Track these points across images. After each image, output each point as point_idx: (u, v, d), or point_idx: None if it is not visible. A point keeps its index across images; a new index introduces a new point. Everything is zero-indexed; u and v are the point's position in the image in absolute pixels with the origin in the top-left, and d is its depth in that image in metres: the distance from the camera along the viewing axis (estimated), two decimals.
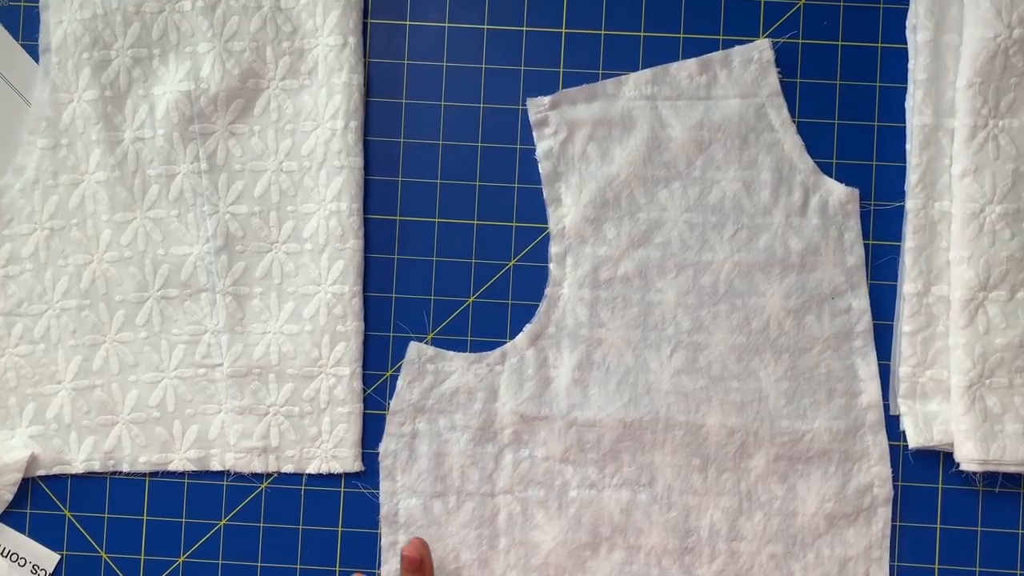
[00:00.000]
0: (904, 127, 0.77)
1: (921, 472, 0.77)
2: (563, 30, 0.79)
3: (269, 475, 0.79)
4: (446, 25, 0.79)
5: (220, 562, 0.79)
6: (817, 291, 0.76)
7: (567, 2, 0.79)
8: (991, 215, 0.74)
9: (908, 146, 0.76)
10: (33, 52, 0.79)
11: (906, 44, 0.77)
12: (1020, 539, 0.76)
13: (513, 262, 0.79)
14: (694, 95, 0.77)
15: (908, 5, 0.77)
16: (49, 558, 0.79)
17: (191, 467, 0.78)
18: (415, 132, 0.79)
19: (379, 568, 0.77)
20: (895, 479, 0.76)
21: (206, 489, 0.79)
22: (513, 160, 0.79)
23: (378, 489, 0.77)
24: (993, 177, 0.74)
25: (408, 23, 0.79)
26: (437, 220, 0.79)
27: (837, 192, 0.77)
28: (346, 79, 0.78)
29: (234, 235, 0.78)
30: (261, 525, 0.79)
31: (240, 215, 0.78)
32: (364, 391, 0.78)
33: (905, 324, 0.75)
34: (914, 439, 0.75)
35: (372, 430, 0.78)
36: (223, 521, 0.79)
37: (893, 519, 0.76)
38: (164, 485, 0.79)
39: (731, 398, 0.76)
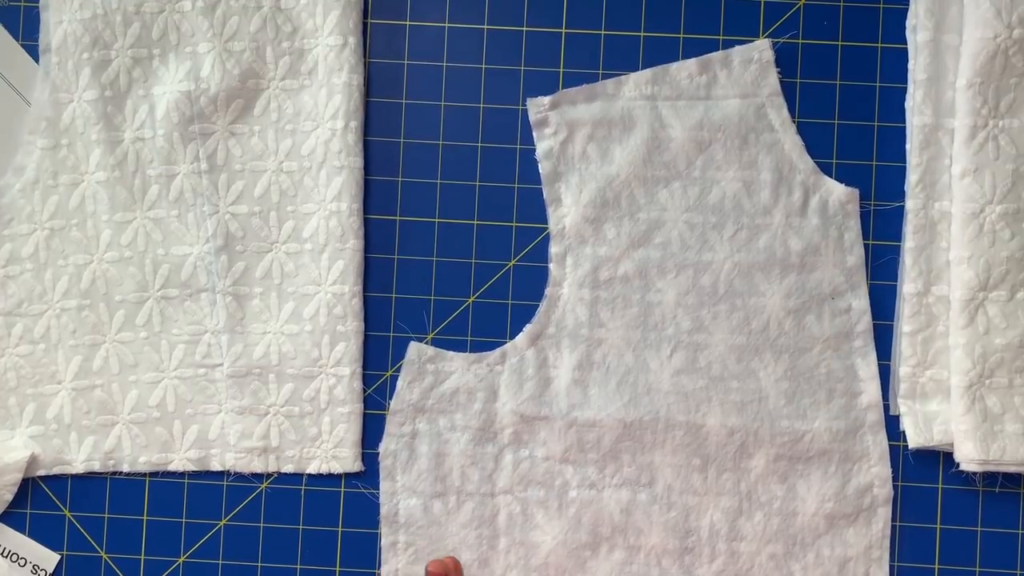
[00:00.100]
0: (904, 127, 0.77)
1: (921, 472, 0.77)
2: (563, 30, 0.79)
3: (269, 475, 0.79)
4: (446, 25, 0.79)
5: (220, 562, 0.79)
6: (817, 291, 0.76)
7: (567, 2, 0.79)
8: (991, 215, 0.74)
9: (908, 146, 0.76)
10: (33, 52, 0.79)
11: (906, 44, 0.77)
12: (1020, 539, 0.76)
13: (513, 262, 0.79)
14: (694, 95, 0.77)
15: (908, 5, 0.77)
16: (49, 558, 0.79)
17: (191, 467, 0.78)
18: (415, 132, 0.79)
19: (379, 568, 0.77)
20: (895, 479, 0.76)
21: (206, 489, 0.79)
22: (513, 160, 0.79)
23: (378, 489, 0.77)
24: (993, 177, 0.74)
25: (408, 23, 0.79)
26: (437, 220, 0.79)
27: (837, 192, 0.77)
28: (346, 79, 0.78)
29: (234, 235, 0.78)
30: (261, 525, 0.79)
31: (240, 215, 0.78)
32: (364, 391, 0.78)
33: (905, 324, 0.75)
34: (914, 439, 0.75)
35: (372, 430, 0.78)
36: (223, 521, 0.79)
37: (893, 519, 0.76)
38: (164, 485, 0.79)
39: (731, 398, 0.76)
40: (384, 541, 0.77)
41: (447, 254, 0.79)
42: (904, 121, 0.77)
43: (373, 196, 0.79)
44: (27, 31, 0.80)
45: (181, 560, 0.79)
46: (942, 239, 0.75)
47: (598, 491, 0.76)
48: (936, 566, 0.76)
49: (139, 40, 0.78)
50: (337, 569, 0.78)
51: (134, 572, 0.79)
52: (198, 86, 0.77)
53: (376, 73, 0.79)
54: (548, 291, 0.77)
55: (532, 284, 0.78)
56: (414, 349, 0.78)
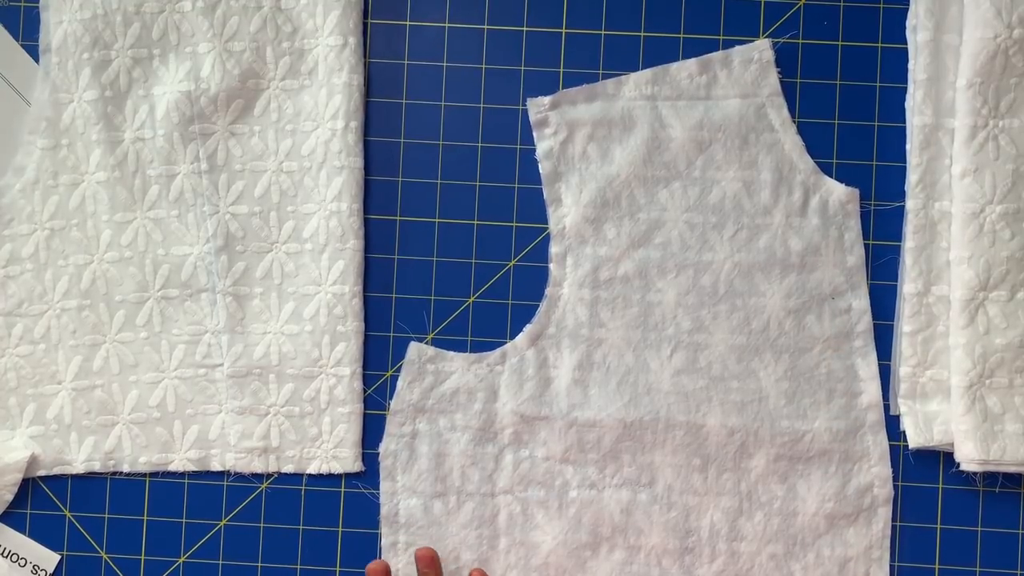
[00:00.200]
0: (904, 127, 0.77)
1: (921, 472, 0.77)
2: (563, 30, 0.79)
3: (269, 475, 0.79)
4: (446, 25, 0.79)
5: (220, 562, 0.79)
6: (817, 291, 0.76)
7: (567, 2, 0.79)
8: (991, 215, 0.74)
9: (908, 146, 0.76)
10: (33, 52, 0.79)
11: (906, 44, 0.77)
12: (1020, 539, 0.76)
13: (513, 262, 0.79)
14: (694, 95, 0.77)
15: (908, 5, 0.77)
16: (49, 558, 0.79)
17: (191, 467, 0.78)
18: (415, 132, 0.79)
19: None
20: (895, 479, 0.76)
21: (206, 489, 0.79)
22: (513, 160, 0.79)
23: (378, 489, 0.77)
24: (993, 177, 0.74)
25: (408, 23, 0.79)
26: (437, 220, 0.79)
27: (837, 192, 0.77)
28: (346, 79, 0.78)
29: (234, 235, 0.78)
30: (261, 525, 0.79)
31: (240, 215, 0.78)
32: (364, 391, 0.78)
33: (905, 324, 0.75)
34: (914, 439, 0.75)
35: (372, 430, 0.78)
36: (223, 521, 0.79)
37: (893, 519, 0.76)
38: (164, 485, 0.79)
39: (731, 398, 0.76)
40: (384, 541, 0.77)
41: (447, 254, 0.79)
42: (904, 121, 0.77)
43: (373, 196, 0.79)
44: (27, 31, 0.80)
45: (181, 560, 0.79)
46: (942, 239, 0.75)
47: (598, 491, 0.76)
48: (936, 566, 0.76)
49: (139, 40, 0.78)
50: (337, 569, 0.78)
51: (134, 572, 0.79)
52: (198, 86, 0.77)
53: (376, 73, 0.79)
54: (548, 291, 0.77)
55: (532, 284, 0.78)
56: (414, 349, 0.78)
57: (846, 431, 0.76)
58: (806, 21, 0.78)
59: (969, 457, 0.73)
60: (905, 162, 0.77)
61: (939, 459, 0.76)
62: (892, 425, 0.76)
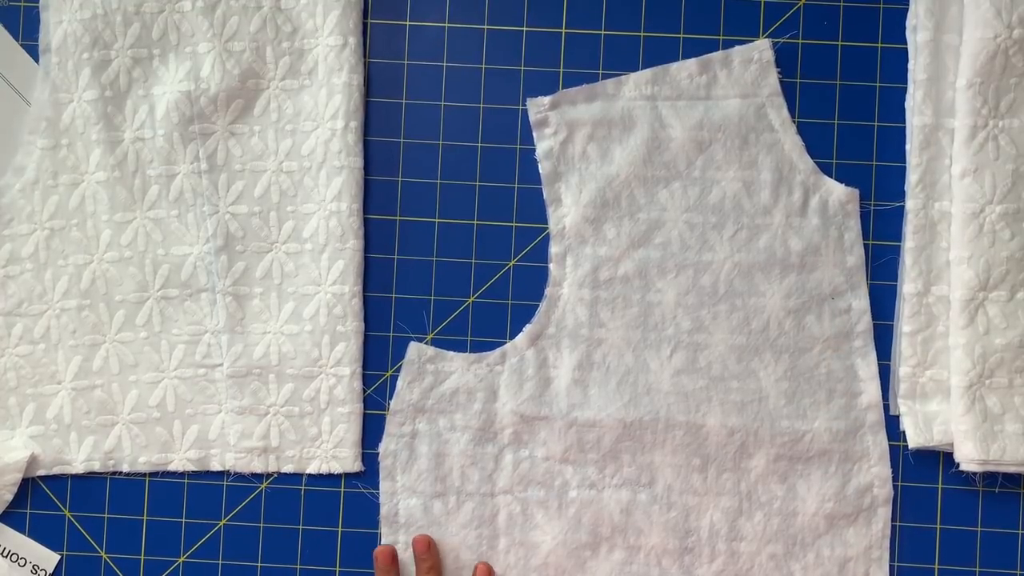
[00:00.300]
0: (904, 127, 0.77)
1: (921, 472, 0.77)
2: (563, 30, 0.79)
3: (269, 475, 0.79)
4: (446, 25, 0.79)
5: (220, 562, 0.79)
6: (817, 291, 0.76)
7: (567, 2, 0.79)
8: (991, 215, 0.74)
9: (908, 146, 0.76)
10: (33, 52, 0.79)
11: (906, 44, 0.77)
12: (1020, 539, 0.76)
13: (513, 262, 0.79)
14: (694, 95, 0.77)
15: (908, 5, 0.77)
16: (49, 558, 0.79)
17: (191, 467, 0.78)
18: (415, 132, 0.79)
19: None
20: (895, 479, 0.76)
21: (206, 489, 0.79)
22: (513, 160, 0.79)
23: (378, 489, 0.77)
24: (993, 177, 0.74)
25: (408, 23, 0.80)
26: (437, 220, 0.79)
27: (837, 192, 0.77)
28: (346, 79, 0.78)
29: (234, 235, 0.78)
30: (261, 525, 0.79)
31: (240, 215, 0.78)
32: (364, 391, 0.78)
33: (905, 324, 0.75)
34: (914, 439, 0.75)
35: (372, 430, 0.78)
36: (223, 521, 0.79)
37: (893, 519, 0.76)
38: (164, 485, 0.79)
39: (731, 398, 0.76)
40: (384, 541, 0.77)
41: (447, 254, 0.79)
42: (904, 121, 0.77)
43: (373, 196, 0.79)
44: (27, 31, 0.80)
45: (181, 560, 0.79)
46: (942, 239, 0.75)
47: (598, 491, 0.76)
48: (936, 566, 0.76)
49: (139, 40, 0.78)
50: (337, 569, 0.78)
51: (134, 572, 0.79)
52: (198, 86, 0.77)
53: (376, 73, 0.79)
54: (548, 291, 0.77)
55: (532, 284, 0.78)
56: (414, 349, 0.78)
57: (846, 431, 0.76)
58: (806, 21, 0.78)
59: (969, 457, 0.73)
60: (905, 162, 0.77)
61: (939, 459, 0.76)
62: (892, 425, 0.76)
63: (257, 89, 0.78)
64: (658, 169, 0.77)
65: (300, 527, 0.78)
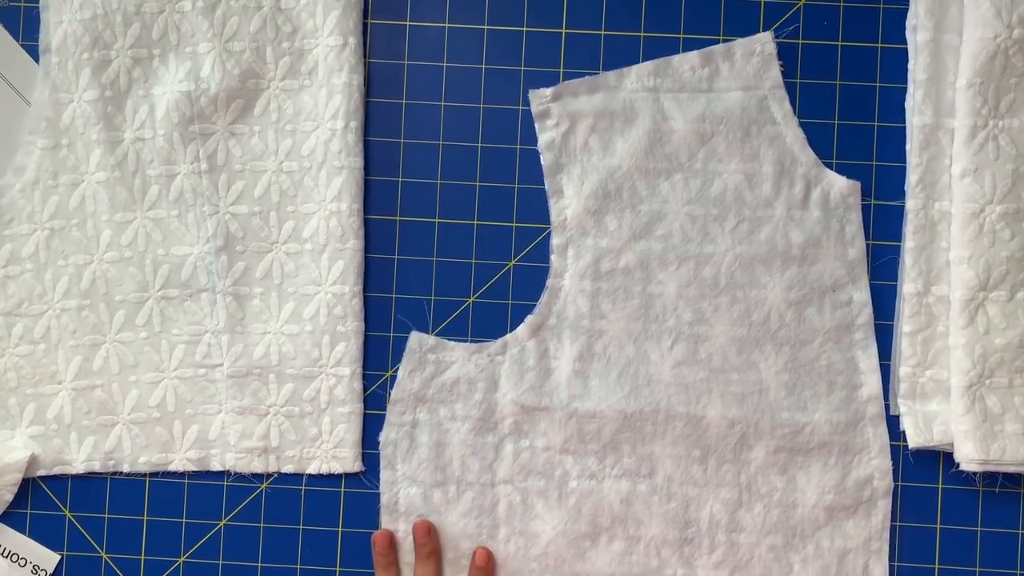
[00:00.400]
0: (904, 127, 0.77)
1: (921, 472, 0.77)
2: (563, 30, 0.79)
3: (269, 475, 0.79)
4: (446, 25, 0.79)
5: (220, 562, 0.79)
6: (818, 284, 0.76)
7: (567, 2, 0.79)
8: (991, 215, 0.74)
9: (908, 146, 0.76)
10: (33, 52, 0.79)
11: (906, 44, 0.77)
12: (1020, 539, 0.76)
13: (513, 262, 0.79)
14: (696, 87, 0.77)
15: (908, 5, 0.77)
16: (49, 558, 0.79)
17: (191, 467, 0.78)
18: (415, 132, 0.79)
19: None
20: (895, 479, 0.76)
21: (206, 489, 0.79)
22: (513, 160, 0.79)
23: (377, 483, 0.77)
24: (993, 177, 0.74)
25: (408, 23, 0.80)
26: (437, 220, 0.79)
27: (839, 185, 0.77)
28: (346, 79, 0.78)
29: (234, 235, 0.78)
30: (261, 525, 0.79)
31: (240, 215, 0.78)
32: (364, 391, 0.78)
33: (905, 324, 0.75)
34: (914, 439, 0.75)
35: (372, 430, 0.78)
36: (223, 521, 0.79)
37: (893, 519, 0.76)
38: (164, 485, 0.79)
39: (731, 390, 0.76)
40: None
41: (447, 254, 0.79)
42: (904, 121, 0.77)
43: (373, 196, 0.79)
44: (27, 31, 0.80)
45: (181, 560, 0.79)
46: (942, 239, 0.75)
47: (598, 481, 0.76)
48: (936, 566, 0.76)
49: (139, 40, 0.78)
50: (337, 569, 0.78)
51: (134, 572, 0.79)
52: (198, 86, 0.77)
53: (376, 73, 0.79)
54: (549, 282, 0.77)
55: (532, 284, 0.78)
56: (415, 339, 0.78)
57: (846, 423, 0.76)
58: (806, 21, 0.78)
59: (969, 457, 0.73)
60: (905, 162, 0.77)
61: (939, 459, 0.76)
62: (892, 424, 0.76)
63: (257, 89, 0.78)
64: (660, 161, 0.77)
65: (300, 527, 0.78)
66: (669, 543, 0.76)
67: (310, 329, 0.78)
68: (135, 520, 0.79)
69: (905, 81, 0.77)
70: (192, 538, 0.79)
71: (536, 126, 0.78)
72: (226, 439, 0.78)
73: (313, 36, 0.78)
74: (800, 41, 0.78)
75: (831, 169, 0.77)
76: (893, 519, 0.76)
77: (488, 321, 0.78)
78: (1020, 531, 0.76)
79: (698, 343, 0.76)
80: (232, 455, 0.78)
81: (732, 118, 0.77)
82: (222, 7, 0.78)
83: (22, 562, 0.79)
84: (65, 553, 0.79)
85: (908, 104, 0.77)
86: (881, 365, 0.76)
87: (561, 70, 0.79)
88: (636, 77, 0.77)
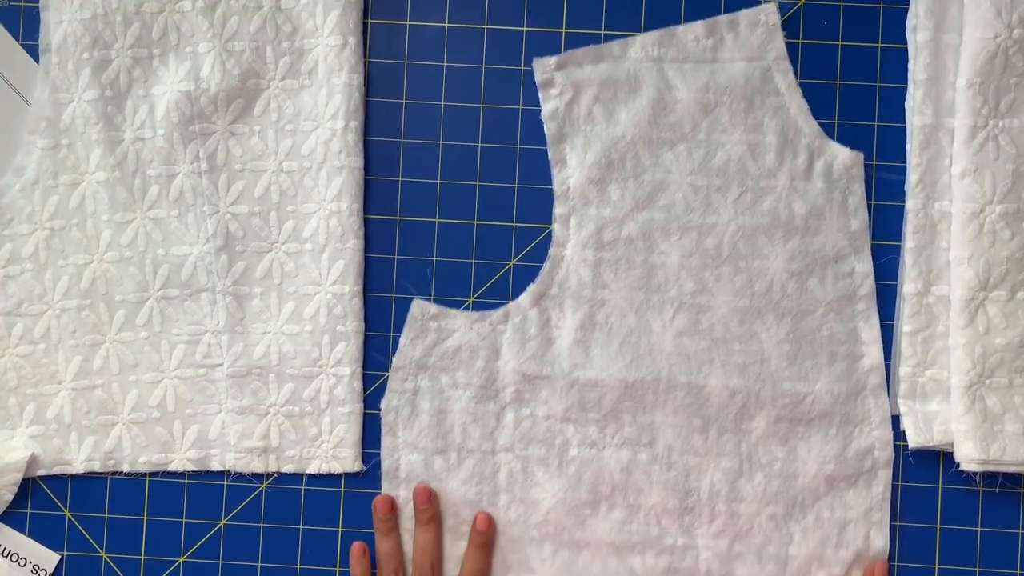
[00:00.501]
0: (904, 127, 0.77)
1: (921, 472, 0.77)
2: (563, 30, 0.79)
3: (269, 475, 0.79)
4: (446, 25, 0.79)
5: (220, 562, 0.79)
6: (820, 254, 0.76)
7: (567, 2, 0.79)
8: (991, 215, 0.74)
9: (908, 146, 0.76)
10: (33, 52, 0.79)
11: (906, 44, 0.77)
12: (1020, 539, 0.76)
13: (513, 262, 0.79)
14: (700, 57, 0.77)
15: (908, 5, 0.77)
16: (49, 558, 0.79)
17: (191, 467, 0.78)
18: (415, 132, 0.79)
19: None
20: (895, 479, 0.76)
21: (206, 489, 0.79)
22: (513, 160, 0.79)
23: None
24: (993, 177, 0.74)
25: (408, 23, 0.79)
26: (437, 220, 0.79)
27: (842, 156, 0.77)
28: (346, 79, 0.77)
29: (234, 235, 0.78)
30: (261, 525, 0.79)
31: (240, 215, 0.78)
32: (364, 391, 0.78)
33: (905, 324, 0.75)
34: (914, 439, 0.75)
35: (372, 430, 0.78)
36: (223, 521, 0.79)
37: (893, 519, 0.76)
38: (164, 485, 0.79)
39: (733, 360, 0.76)
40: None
41: (447, 254, 0.79)
42: (904, 121, 0.77)
43: (373, 196, 0.79)
44: (27, 31, 0.80)
45: (181, 560, 0.79)
46: (942, 239, 0.75)
47: (599, 450, 0.76)
48: (936, 566, 0.76)
49: (139, 40, 0.78)
50: (337, 569, 0.78)
51: (134, 572, 0.79)
52: (198, 86, 0.77)
53: (376, 73, 0.79)
54: (552, 251, 0.77)
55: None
56: (417, 306, 0.77)
57: (847, 394, 0.76)
58: (806, 21, 0.78)
59: (969, 457, 0.73)
60: (905, 162, 0.77)
61: (939, 459, 0.76)
62: (892, 424, 0.76)
63: (257, 89, 0.78)
64: (663, 131, 0.77)
65: (300, 527, 0.78)
66: (669, 512, 0.76)
67: (310, 329, 0.78)
68: (135, 520, 0.79)
69: (905, 81, 0.77)
70: (192, 538, 0.79)
71: (539, 95, 0.78)
72: (226, 439, 0.78)
73: (313, 36, 0.78)
74: (800, 41, 0.78)
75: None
76: (893, 519, 0.76)
77: None
78: (1020, 531, 0.76)
79: (700, 313, 0.76)
80: (232, 455, 0.78)
81: (736, 88, 0.77)
82: (222, 7, 0.78)
83: (22, 562, 0.79)
84: (65, 553, 0.79)
85: (908, 104, 0.77)
86: (883, 325, 0.76)
87: None
88: (640, 47, 0.77)
